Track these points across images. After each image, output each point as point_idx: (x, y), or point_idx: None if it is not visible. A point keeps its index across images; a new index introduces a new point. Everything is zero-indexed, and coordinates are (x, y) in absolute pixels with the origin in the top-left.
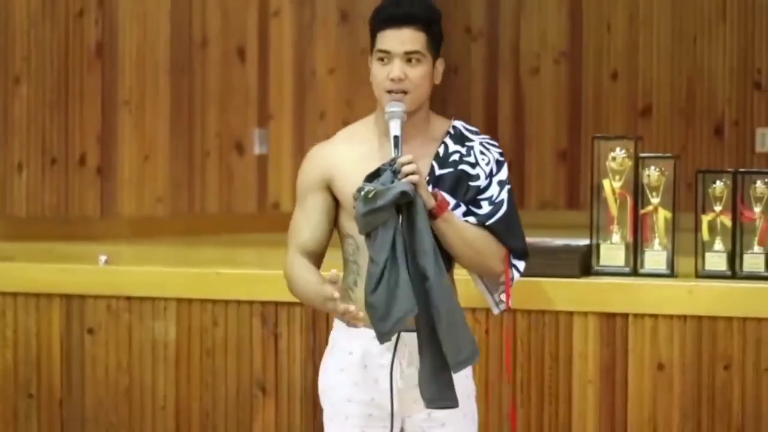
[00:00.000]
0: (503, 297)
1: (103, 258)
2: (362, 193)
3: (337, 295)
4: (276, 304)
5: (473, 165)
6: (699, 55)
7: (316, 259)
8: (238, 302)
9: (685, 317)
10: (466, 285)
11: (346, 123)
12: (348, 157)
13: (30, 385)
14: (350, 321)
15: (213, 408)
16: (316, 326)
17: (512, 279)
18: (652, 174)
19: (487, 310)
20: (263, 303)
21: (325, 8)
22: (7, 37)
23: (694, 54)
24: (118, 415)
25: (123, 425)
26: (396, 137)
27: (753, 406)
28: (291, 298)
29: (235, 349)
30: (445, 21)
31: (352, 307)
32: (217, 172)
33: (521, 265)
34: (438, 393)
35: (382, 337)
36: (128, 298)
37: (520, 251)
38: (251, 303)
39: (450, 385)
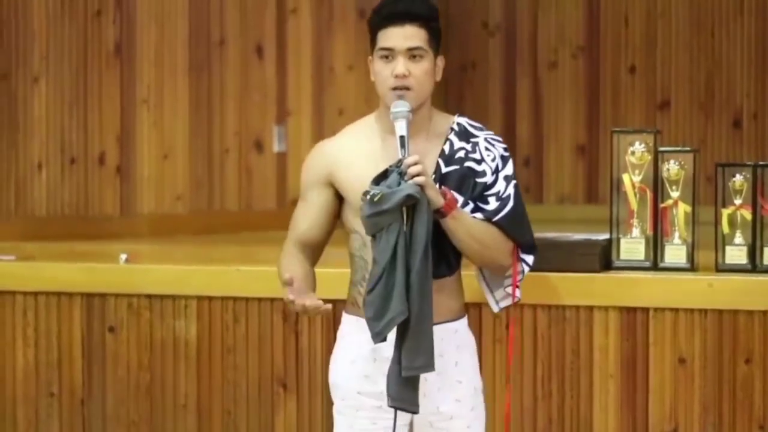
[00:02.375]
0: (509, 290)
1: (123, 256)
2: (368, 196)
3: (291, 297)
4: None
5: (479, 161)
6: (717, 48)
7: (313, 250)
8: (259, 299)
9: (705, 311)
10: None
11: None
12: (352, 154)
13: (52, 384)
14: (319, 313)
15: (234, 406)
16: (337, 323)
17: (521, 272)
18: (671, 168)
19: (507, 307)
20: (284, 300)
21: (343, 5)
22: (26, 37)
23: (712, 47)
24: (140, 413)
25: (144, 423)
26: (402, 137)
27: None
28: None
29: (256, 347)
30: (463, 16)
31: (308, 302)
32: (236, 169)
33: (530, 258)
34: (402, 393)
35: (375, 337)
36: (149, 296)
37: (528, 245)
38: (272, 300)
39: (415, 388)
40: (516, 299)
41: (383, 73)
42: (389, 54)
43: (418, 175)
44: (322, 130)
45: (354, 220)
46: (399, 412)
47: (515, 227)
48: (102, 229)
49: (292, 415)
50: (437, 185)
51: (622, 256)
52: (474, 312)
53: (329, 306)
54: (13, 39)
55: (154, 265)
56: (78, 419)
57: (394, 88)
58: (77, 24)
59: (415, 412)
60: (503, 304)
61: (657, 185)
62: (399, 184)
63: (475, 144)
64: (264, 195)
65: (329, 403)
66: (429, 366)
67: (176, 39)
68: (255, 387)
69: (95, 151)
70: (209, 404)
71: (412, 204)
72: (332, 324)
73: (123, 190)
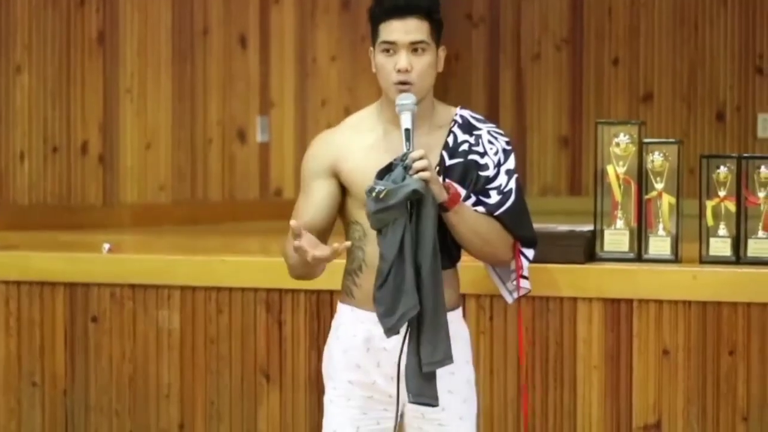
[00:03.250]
0: (516, 284)
1: (106, 246)
2: (374, 193)
3: (298, 243)
4: (280, 291)
5: (482, 154)
6: (700, 41)
7: (317, 238)
8: (242, 290)
9: (689, 303)
10: (473, 272)
11: (347, 110)
12: (355, 145)
13: (34, 373)
14: (326, 256)
15: (217, 396)
16: (321, 313)
17: (522, 267)
18: (656, 159)
19: (491, 297)
20: (267, 290)
21: None
22: (8, 26)
23: (695, 39)
24: (123, 403)
25: (127, 414)
26: (407, 130)
27: (758, 392)
28: (295, 285)
29: (239, 337)
30: (447, 7)
31: (318, 253)
32: (219, 160)
33: (530, 253)
34: (423, 388)
35: (388, 332)
36: (132, 286)
37: (528, 240)
38: (255, 290)
39: (432, 382)
40: (525, 291)
41: (386, 67)
42: (391, 48)
43: (423, 169)
44: (305, 121)
45: (357, 212)
46: (396, 406)
47: (516, 222)
48: (85, 219)
49: (275, 406)
50: (441, 178)
51: (606, 247)
52: (484, 302)
53: (347, 243)
54: None
55: (137, 255)
56: (60, 409)
57: (397, 83)
58: (60, 13)
59: (435, 405)
60: (517, 294)
61: (641, 177)
62: (404, 178)
63: (479, 137)
64: (247, 185)
65: (312, 394)
66: (448, 358)
67: (160, 28)
68: (238, 377)
69: (78, 140)
70: (192, 394)
71: (417, 198)
72: (316, 314)
73: (106, 180)
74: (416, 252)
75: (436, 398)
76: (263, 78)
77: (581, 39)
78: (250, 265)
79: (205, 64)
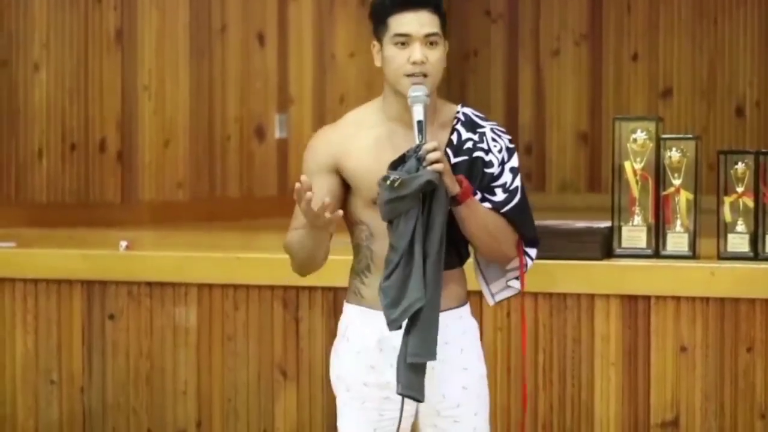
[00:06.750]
0: (512, 283)
1: (123, 243)
2: (388, 181)
3: (306, 186)
4: (297, 288)
5: (487, 152)
6: (720, 36)
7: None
8: (259, 287)
9: (707, 299)
10: None
11: None
12: (357, 142)
13: (51, 371)
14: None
15: (234, 393)
16: (337, 310)
17: (525, 266)
18: (673, 155)
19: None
20: (284, 287)
21: None
22: (26, 24)
23: (715, 34)
24: (140, 400)
25: (144, 411)
26: (420, 122)
27: None
28: (312, 282)
29: (256, 334)
30: (465, 4)
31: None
32: (237, 156)
33: (533, 252)
34: (412, 380)
35: (391, 324)
36: (149, 284)
37: (531, 239)
38: (272, 288)
39: (421, 376)
40: (514, 291)
41: (397, 59)
42: (405, 40)
43: (437, 161)
44: (323, 117)
45: (362, 212)
46: (405, 401)
47: (521, 219)
48: (102, 216)
49: (292, 402)
50: None
51: (624, 243)
52: (474, 300)
53: (339, 212)
54: (13, 26)
55: (155, 253)
56: (78, 407)
57: (410, 75)
58: (78, 10)
59: (420, 400)
60: (499, 297)
61: (659, 173)
62: (417, 169)
63: (482, 134)
64: (265, 182)
65: (329, 390)
66: (432, 354)
67: (177, 25)
68: (255, 374)
69: (96, 137)
70: (209, 391)
71: (430, 190)
72: (333, 311)
73: (124, 177)
74: (425, 244)
75: (423, 393)
76: (281, 74)
77: (600, 34)
78: (268, 263)
79: (223, 61)
